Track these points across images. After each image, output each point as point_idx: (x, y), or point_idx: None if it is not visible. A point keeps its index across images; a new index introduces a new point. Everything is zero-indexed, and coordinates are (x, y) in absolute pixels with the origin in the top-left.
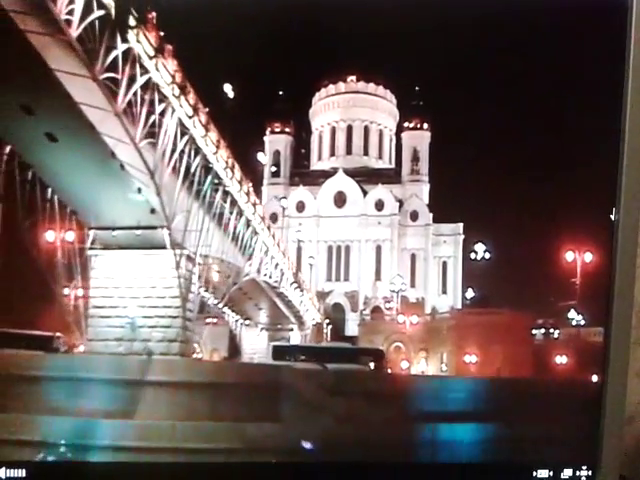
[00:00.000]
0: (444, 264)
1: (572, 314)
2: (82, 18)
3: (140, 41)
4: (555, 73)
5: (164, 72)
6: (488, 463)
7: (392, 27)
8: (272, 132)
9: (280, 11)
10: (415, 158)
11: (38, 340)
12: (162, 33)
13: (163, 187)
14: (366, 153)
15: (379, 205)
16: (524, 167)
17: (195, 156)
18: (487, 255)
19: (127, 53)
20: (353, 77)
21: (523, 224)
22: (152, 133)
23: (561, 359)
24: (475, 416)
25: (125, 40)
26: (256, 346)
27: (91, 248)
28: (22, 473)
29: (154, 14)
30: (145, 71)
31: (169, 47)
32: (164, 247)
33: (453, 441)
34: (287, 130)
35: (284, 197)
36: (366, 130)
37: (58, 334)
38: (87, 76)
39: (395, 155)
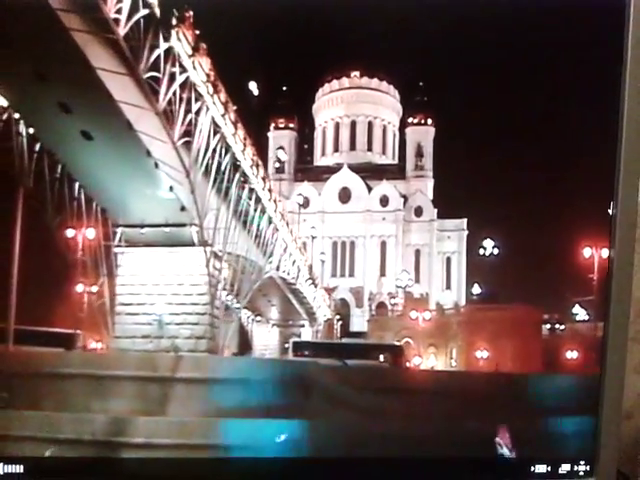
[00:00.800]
0: (448, 260)
1: (576, 309)
2: (129, 17)
3: (180, 39)
4: (560, 68)
5: (200, 71)
6: (486, 458)
7: (396, 22)
8: (276, 128)
9: (283, 6)
10: (419, 154)
11: (58, 337)
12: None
13: (197, 185)
14: (370, 149)
15: (384, 201)
16: (532, 162)
17: (225, 154)
18: (496, 251)
19: (168, 52)
20: (357, 72)
21: (532, 220)
22: (188, 132)
23: (567, 354)
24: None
25: (167, 39)
26: (267, 342)
27: (118, 245)
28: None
29: (191, 12)
30: (183, 70)
31: (203, 45)
32: (192, 244)
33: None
34: (291, 126)
35: (300, 194)
36: (370, 126)
37: (79, 331)
38: (128, 74)
39: (398, 151)
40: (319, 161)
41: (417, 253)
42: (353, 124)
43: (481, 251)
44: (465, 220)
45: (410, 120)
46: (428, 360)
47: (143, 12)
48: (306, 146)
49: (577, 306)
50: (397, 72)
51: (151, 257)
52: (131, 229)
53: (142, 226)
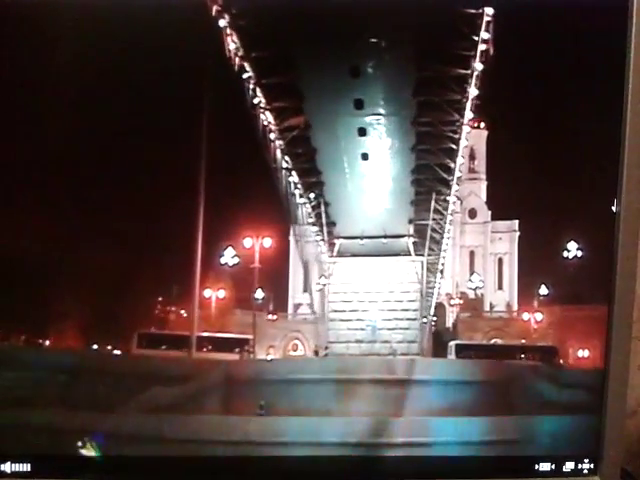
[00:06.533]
0: (500, 260)
1: None
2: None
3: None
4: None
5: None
6: (490, 456)
7: (448, 26)
8: None
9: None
10: (472, 156)
11: (234, 342)
12: None
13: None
14: None
15: None
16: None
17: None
18: (579, 253)
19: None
20: None
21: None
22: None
23: None
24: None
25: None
26: None
27: (333, 256)
28: None
29: None
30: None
31: None
32: (407, 254)
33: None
34: None
35: None
36: None
37: (250, 336)
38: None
39: None
40: None
41: (471, 254)
42: None
43: (565, 254)
44: (517, 221)
45: None
46: None
47: (481, 47)
48: None
49: None
50: None
51: (363, 266)
52: (350, 241)
53: (362, 238)
